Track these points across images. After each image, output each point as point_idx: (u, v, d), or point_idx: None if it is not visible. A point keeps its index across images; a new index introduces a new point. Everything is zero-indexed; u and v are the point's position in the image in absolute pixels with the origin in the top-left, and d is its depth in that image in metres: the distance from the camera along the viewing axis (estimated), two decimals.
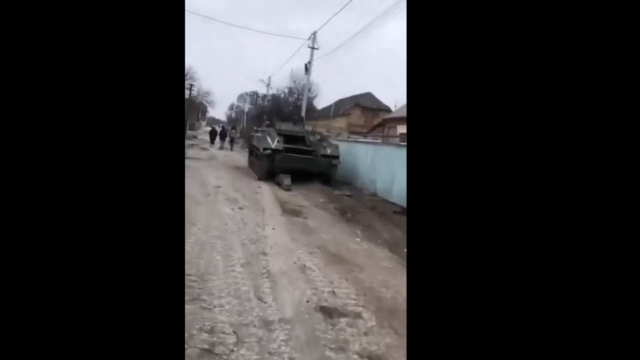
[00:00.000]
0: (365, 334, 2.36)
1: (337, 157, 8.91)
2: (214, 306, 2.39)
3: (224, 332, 2.12)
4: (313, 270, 3.33)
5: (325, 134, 12.18)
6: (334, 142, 9.65)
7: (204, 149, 16.55)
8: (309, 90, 20.77)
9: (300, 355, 2.02)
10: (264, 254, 3.61)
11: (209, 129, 23.28)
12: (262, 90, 34.54)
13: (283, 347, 2.07)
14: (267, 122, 11.81)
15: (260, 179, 8.80)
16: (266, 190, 7.54)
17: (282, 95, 30.38)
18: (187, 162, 8.88)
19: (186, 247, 3.32)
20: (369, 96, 28.48)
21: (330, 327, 2.36)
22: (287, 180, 8.11)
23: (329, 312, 2.56)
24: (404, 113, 18.16)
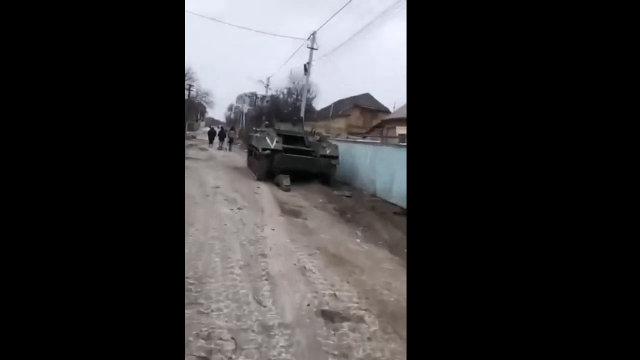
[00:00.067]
0: (369, 339, 2.28)
1: (336, 158, 8.84)
2: (212, 310, 2.30)
3: (221, 339, 2.03)
4: (313, 272, 3.24)
5: (324, 134, 12.09)
6: (333, 142, 9.57)
7: (202, 149, 16.44)
8: (308, 90, 20.71)
9: None
10: (263, 255, 3.53)
11: (208, 129, 23.13)
12: (261, 91, 34.49)
13: (283, 354, 1.99)
14: (266, 122, 11.73)
15: (259, 179, 8.71)
16: (265, 191, 7.46)
17: (281, 96, 30.31)
18: (185, 162, 8.78)
19: None
20: (367, 97, 28.46)
21: (332, 332, 2.28)
22: (286, 181, 8.03)
23: (330, 316, 2.47)
24: (403, 114, 18.13)
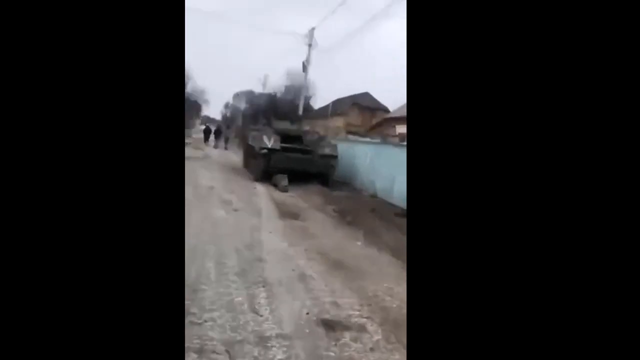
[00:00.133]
0: (372, 349, 2.15)
1: (335, 157, 8.70)
2: (205, 321, 2.16)
3: (215, 352, 1.90)
4: (313, 279, 3.11)
5: (322, 133, 11.93)
6: (332, 141, 9.43)
7: (198, 148, 16.23)
8: (306, 89, 20.55)
9: None
10: (260, 260, 3.39)
11: (204, 127, 22.90)
12: (258, 89, 34.30)
13: None
14: (264, 120, 11.57)
15: (256, 179, 8.56)
16: (262, 192, 7.32)
17: (278, 94, 30.15)
18: None
19: None
20: (366, 96, 28.30)
21: (333, 343, 2.15)
22: (284, 181, 7.89)
23: (331, 326, 2.34)
24: (402, 113, 18.02)
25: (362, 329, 2.36)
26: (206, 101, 39.93)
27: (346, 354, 2.07)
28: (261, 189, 7.61)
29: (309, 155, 8.60)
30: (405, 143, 8.81)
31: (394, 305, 2.77)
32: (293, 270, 3.26)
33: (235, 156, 14.36)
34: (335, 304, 2.68)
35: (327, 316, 2.46)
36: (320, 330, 2.27)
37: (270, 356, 1.94)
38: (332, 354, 2.05)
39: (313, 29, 16.84)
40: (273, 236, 4.29)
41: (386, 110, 26.43)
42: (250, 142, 9.65)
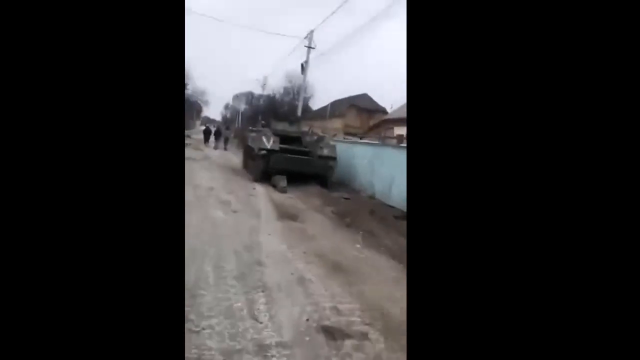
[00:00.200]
0: (375, 359, 2.09)
1: (334, 159, 8.65)
2: (203, 328, 2.10)
3: None
4: (312, 282, 3.05)
5: (321, 134, 11.87)
6: (331, 142, 9.38)
7: (197, 149, 16.13)
8: (305, 90, 20.50)
9: None
10: (259, 263, 3.33)
11: (204, 128, 22.78)
12: (257, 90, 34.25)
13: None
14: (263, 122, 11.50)
15: (255, 180, 8.50)
16: (261, 193, 7.26)
17: (277, 96, 30.09)
18: None
19: None
20: (365, 97, 28.30)
21: (335, 352, 2.10)
22: (282, 182, 7.83)
23: (332, 333, 2.29)
24: (400, 114, 18.01)
25: (363, 336, 2.31)
26: (206, 102, 39.89)
27: None
28: (260, 189, 7.55)
29: (308, 156, 8.54)
30: (403, 145, 8.78)
31: (396, 312, 2.71)
32: (292, 273, 3.20)
33: (234, 157, 14.29)
34: (335, 309, 2.62)
35: (327, 323, 2.41)
36: (321, 338, 2.22)
37: None
38: None
39: (312, 31, 16.81)
40: (272, 238, 4.23)
41: (384, 111, 26.45)
42: (249, 143, 9.59)
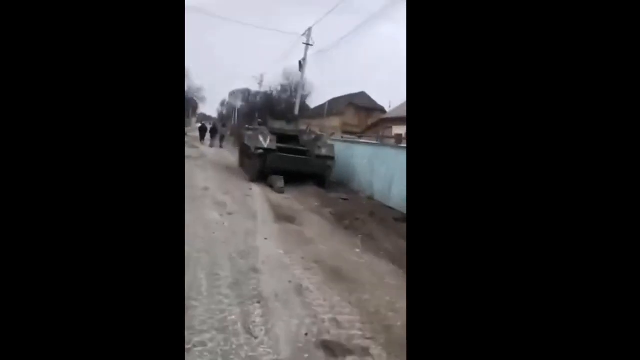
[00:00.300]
0: None
1: (332, 159, 8.52)
2: (194, 345, 1.96)
3: None
4: (311, 292, 2.92)
5: (319, 133, 11.71)
6: (329, 141, 9.24)
7: (193, 146, 15.91)
8: (302, 88, 20.31)
9: None
10: (255, 270, 3.19)
11: (200, 125, 22.51)
12: (254, 87, 33.99)
13: None
14: (259, 120, 11.32)
15: (251, 180, 8.34)
16: (258, 193, 7.11)
17: (275, 93, 29.87)
18: None
19: None
20: (363, 96, 28.16)
21: None
22: (279, 182, 7.68)
23: (332, 349, 2.16)
24: (399, 113, 17.89)
25: (365, 352, 2.18)
26: (202, 99, 39.60)
27: None
28: (257, 190, 7.40)
29: (306, 155, 8.40)
30: (402, 145, 8.66)
31: (398, 324, 2.59)
32: (290, 281, 3.07)
33: (230, 155, 14.08)
34: (335, 321, 2.49)
35: (327, 337, 2.27)
36: (321, 354, 2.09)
37: None
38: None
39: (310, 28, 16.61)
40: (268, 242, 4.09)
41: (382, 110, 26.34)
42: (246, 142, 9.42)
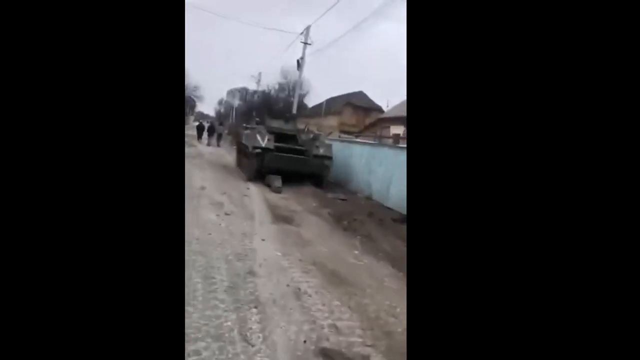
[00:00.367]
0: None
1: (330, 158, 8.46)
2: (188, 354, 1.88)
3: None
4: (309, 296, 2.85)
5: (316, 132, 11.63)
6: (327, 141, 9.16)
7: (191, 145, 15.77)
8: (300, 87, 20.20)
9: None
10: (252, 273, 3.11)
11: (197, 124, 22.35)
12: (252, 86, 33.87)
13: None
14: (257, 119, 11.22)
15: (249, 179, 8.26)
16: (255, 193, 7.02)
17: (272, 92, 29.76)
18: None
19: None
20: (361, 95, 28.11)
21: None
22: (277, 182, 7.61)
23: (331, 357, 2.08)
24: (397, 113, 17.84)
25: None
26: (200, 97, 39.42)
27: None
28: (254, 189, 7.32)
29: (304, 155, 8.32)
30: (400, 145, 8.60)
31: (399, 330, 2.52)
32: (287, 285, 2.99)
33: (227, 154, 13.98)
34: (334, 327, 2.42)
35: (326, 344, 2.20)
36: None
37: None
38: None
39: (309, 27, 16.51)
40: (266, 244, 4.01)
41: (380, 110, 26.30)
42: (243, 141, 9.32)
